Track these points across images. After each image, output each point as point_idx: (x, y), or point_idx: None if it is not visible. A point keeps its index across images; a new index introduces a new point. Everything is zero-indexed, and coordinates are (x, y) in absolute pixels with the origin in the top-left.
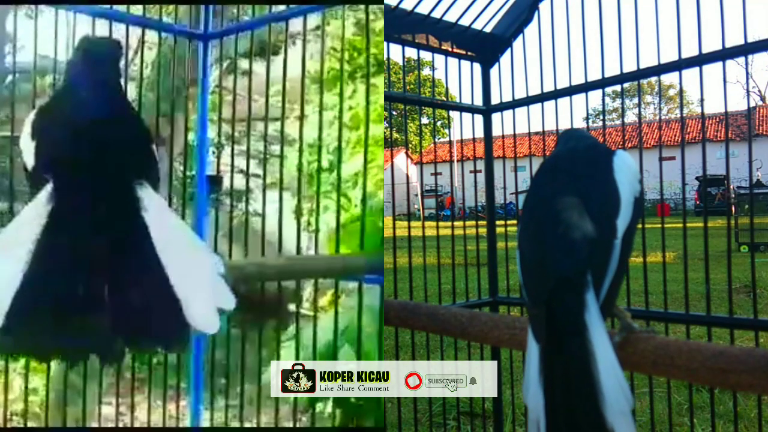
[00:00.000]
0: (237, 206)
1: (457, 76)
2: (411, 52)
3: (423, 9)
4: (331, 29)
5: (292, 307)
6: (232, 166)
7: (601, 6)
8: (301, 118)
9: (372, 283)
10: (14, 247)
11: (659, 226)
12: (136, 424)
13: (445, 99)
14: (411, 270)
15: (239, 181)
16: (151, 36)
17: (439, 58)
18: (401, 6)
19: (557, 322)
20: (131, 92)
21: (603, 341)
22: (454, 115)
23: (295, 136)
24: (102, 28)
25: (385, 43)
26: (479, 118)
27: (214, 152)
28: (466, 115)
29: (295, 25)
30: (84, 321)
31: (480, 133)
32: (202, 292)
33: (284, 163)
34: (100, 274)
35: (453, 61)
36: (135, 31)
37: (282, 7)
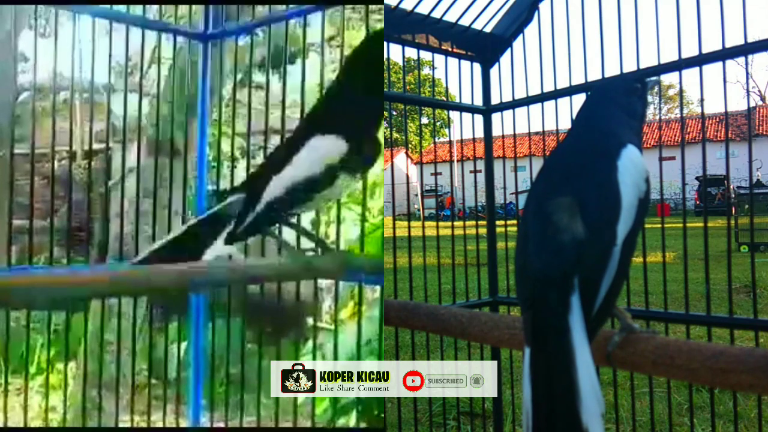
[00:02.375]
0: None
1: (457, 76)
2: (411, 52)
3: (423, 9)
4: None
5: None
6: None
7: (601, 6)
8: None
9: (372, 283)
10: None
11: (659, 226)
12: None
13: (445, 99)
14: (411, 270)
15: None
16: (163, 44)
17: (439, 58)
18: (401, 6)
19: (541, 322)
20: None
21: (583, 345)
22: (454, 115)
23: None
24: (101, 29)
25: (385, 43)
26: (479, 118)
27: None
28: (466, 115)
29: (312, 36)
30: None
31: (480, 133)
32: None
33: None
34: None
35: (453, 61)
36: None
37: (282, 7)
